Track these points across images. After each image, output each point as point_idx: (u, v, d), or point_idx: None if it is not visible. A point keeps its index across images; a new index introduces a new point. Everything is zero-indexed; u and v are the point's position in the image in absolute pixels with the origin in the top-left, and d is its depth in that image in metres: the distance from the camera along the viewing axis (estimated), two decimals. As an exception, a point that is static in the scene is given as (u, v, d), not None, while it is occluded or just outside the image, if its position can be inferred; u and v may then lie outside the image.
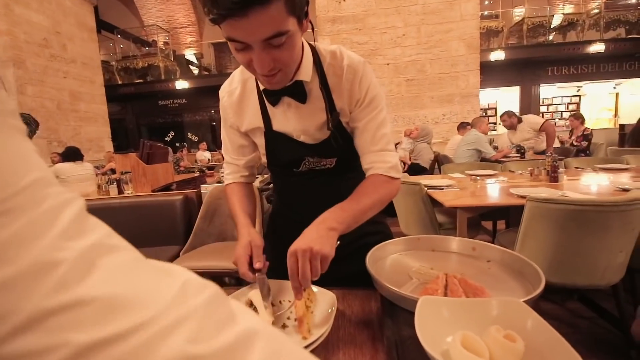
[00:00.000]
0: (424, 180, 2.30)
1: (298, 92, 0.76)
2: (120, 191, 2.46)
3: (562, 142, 5.31)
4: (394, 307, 0.64)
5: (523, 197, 1.66)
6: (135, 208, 2.29)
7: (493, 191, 2.06)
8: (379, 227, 1.00)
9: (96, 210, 2.25)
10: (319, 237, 0.63)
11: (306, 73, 0.75)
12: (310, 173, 0.87)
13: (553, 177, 2.14)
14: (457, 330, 0.48)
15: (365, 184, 0.80)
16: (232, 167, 0.94)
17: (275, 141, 0.84)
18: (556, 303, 2.00)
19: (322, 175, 0.87)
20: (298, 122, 0.80)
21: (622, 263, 1.43)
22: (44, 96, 6.24)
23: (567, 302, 2.00)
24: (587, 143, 4.90)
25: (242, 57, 0.62)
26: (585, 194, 1.72)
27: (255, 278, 0.68)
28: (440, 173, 3.19)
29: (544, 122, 4.30)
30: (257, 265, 0.70)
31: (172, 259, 2.00)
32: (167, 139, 11.23)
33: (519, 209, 1.55)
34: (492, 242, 1.89)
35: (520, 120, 4.43)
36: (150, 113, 11.28)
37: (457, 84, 5.31)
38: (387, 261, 0.85)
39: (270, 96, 0.78)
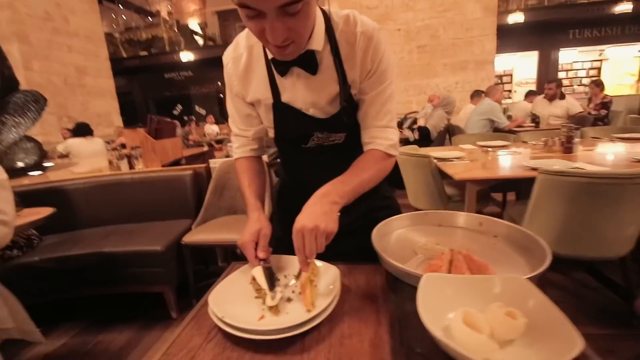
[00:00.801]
0: (433, 152, 2.27)
1: (309, 62, 0.73)
2: (131, 166, 2.49)
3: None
4: (398, 282, 0.65)
5: (535, 169, 1.62)
6: (146, 183, 2.33)
7: (504, 163, 2.02)
8: (387, 201, 1.00)
9: (109, 185, 2.31)
10: (323, 213, 0.63)
11: (318, 42, 0.71)
12: (319, 149, 0.85)
13: (567, 148, 2.08)
14: (460, 307, 0.49)
15: (365, 158, 0.79)
16: (240, 140, 0.92)
17: (284, 114, 0.81)
18: (562, 273, 2.02)
19: (331, 150, 0.85)
20: (308, 94, 0.77)
21: (632, 235, 1.41)
22: (50, 71, 6.22)
23: (574, 272, 2.01)
24: (606, 111, 4.70)
25: (254, 26, 0.59)
26: (600, 165, 1.67)
27: (261, 265, 0.69)
28: (451, 144, 3.12)
29: (579, 113, 4.23)
30: (260, 255, 0.71)
31: (185, 232, 2.06)
32: (175, 112, 11.20)
33: (530, 181, 1.53)
34: (502, 214, 1.89)
35: (563, 97, 4.32)
36: (157, 86, 11.19)
37: (472, 50, 5.07)
38: (393, 236, 0.85)
39: (279, 66, 0.74)
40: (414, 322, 0.53)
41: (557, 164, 1.73)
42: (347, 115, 0.78)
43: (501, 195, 2.96)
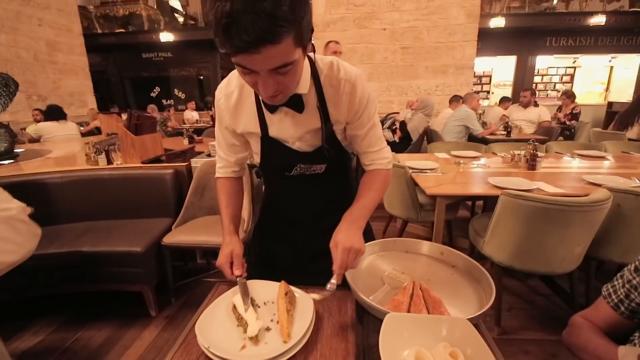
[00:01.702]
0: (409, 162, 2.38)
1: (296, 103, 0.80)
2: (109, 161, 2.46)
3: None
4: (365, 312, 0.75)
5: (499, 187, 1.76)
6: (126, 180, 2.32)
7: (473, 178, 2.16)
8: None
9: (87, 181, 2.28)
10: (356, 236, 0.78)
11: (304, 86, 0.79)
12: (301, 177, 0.94)
13: (531, 165, 2.25)
14: (415, 345, 0.59)
15: (372, 178, 0.93)
16: (223, 162, 1.00)
17: (271, 147, 0.89)
18: (519, 280, 2.21)
19: (312, 179, 0.94)
20: (294, 129, 0.85)
21: (579, 255, 1.59)
22: (19, 45, 5.85)
23: (529, 279, 2.21)
24: (575, 122, 5.03)
25: (248, 79, 0.66)
26: (557, 187, 1.83)
27: (238, 280, 0.82)
28: (428, 149, 3.26)
29: (544, 122, 4.67)
30: (236, 272, 0.83)
31: (165, 231, 2.08)
32: (153, 94, 10.81)
33: (494, 196, 1.67)
34: (470, 220, 2.03)
35: (536, 104, 4.78)
36: (133, 66, 10.71)
37: (453, 54, 5.20)
38: (365, 262, 0.94)
39: (269, 105, 0.82)
40: (376, 355, 0.62)
41: (520, 182, 1.88)
42: (329, 152, 0.87)
43: (471, 202, 3.14)
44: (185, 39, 9.44)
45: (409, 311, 0.71)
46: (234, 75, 0.87)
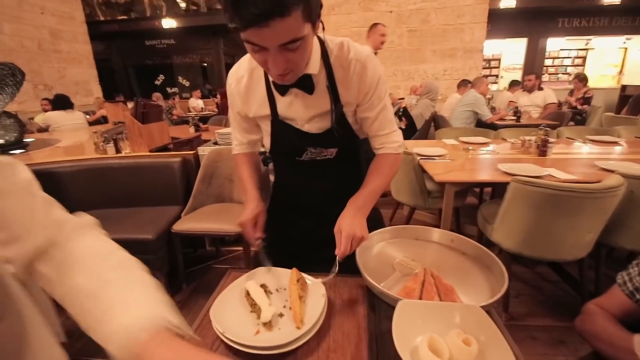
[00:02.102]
0: (417, 148, 2.35)
1: (306, 84, 0.80)
2: (117, 150, 2.47)
3: (559, 104, 5.27)
4: (376, 298, 0.75)
5: (509, 174, 1.74)
6: (135, 168, 2.33)
7: (482, 165, 2.13)
8: (372, 213, 1.09)
9: (97, 170, 2.30)
10: (360, 223, 0.80)
11: (314, 66, 0.78)
12: (312, 162, 0.94)
13: (542, 151, 2.21)
14: (427, 331, 0.59)
15: (381, 163, 0.93)
16: (238, 141, 1.03)
17: (281, 129, 0.89)
18: (527, 266, 2.21)
19: (323, 164, 0.94)
20: (304, 111, 0.85)
21: (589, 242, 1.57)
22: (23, 35, 5.83)
23: (537, 266, 2.21)
24: (587, 107, 4.90)
25: (258, 57, 0.66)
26: (569, 173, 1.80)
27: (257, 245, 0.86)
28: (435, 136, 3.22)
29: (550, 104, 4.58)
30: (258, 234, 0.88)
31: (174, 219, 2.11)
32: (157, 82, 10.77)
33: (504, 182, 1.66)
34: (478, 207, 2.02)
35: (541, 88, 4.70)
36: (137, 54, 10.64)
37: (462, 37, 5.06)
38: (375, 250, 0.95)
39: (279, 87, 0.82)
40: (389, 340, 0.63)
41: (530, 169, 1.85)
42: (338, 133, 0.87)
43: (479, 188, 3.12)
44: (187, 25, 9.33)
45: (420, 298, 0.71)
46: (244, 60, 0.87)
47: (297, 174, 1.00)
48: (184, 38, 10.13)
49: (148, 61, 10.80)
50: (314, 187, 1.00)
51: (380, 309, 0.73)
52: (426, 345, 0.56)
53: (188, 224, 2.05)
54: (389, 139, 0.92)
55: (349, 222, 0.78)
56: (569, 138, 2.84)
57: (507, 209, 1.65)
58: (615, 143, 2.58)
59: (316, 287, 0.77)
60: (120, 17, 9.79)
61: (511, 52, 9.93)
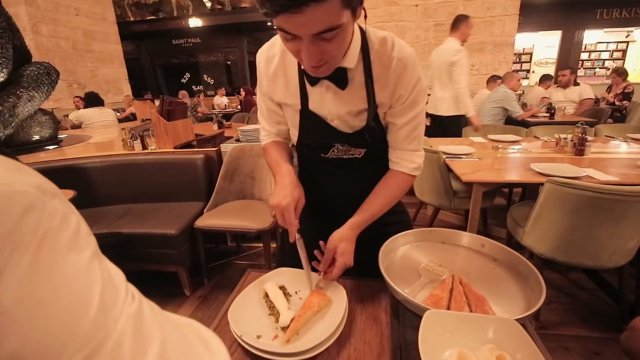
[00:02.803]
0: (443, 147, 2.27)
1: (340, 77, 0.74)
2: (144, 146, 2.54)
3: (597, 100, 4.96)
4: (401, 305, 0.71)
5: (542, 174, 1.64)
6: (160, 164, 2.39)
7: (513, 164, 2.02)
8: (399, 216, 1.03)
9: (124, 165, 2.37)
10: (352, 250, 0.78)
11: (352, 60, 0.72)
12: (338, 161, 0.88)
13: (579, 150, 2.07)
14: (456, 344, 0.55)
15: (392, 183, 0.86)
16: (266, 132, 0.95)
17: (309, 122, 0.84)
18: (560, 272, 2.09)
19: (349, 164, 0.88)
20: (334, 106, 0.79)
21: (632, 249, 1.45)
22: (59, 36, 6.13)
23: (571, 272, 2.08)
24: (627, 102, 4.58)
25: (291, 46, 0.61)
26: (609, 174, 1.68)
27: (297, 238, 0.75)
28: (462, 135, 3.10)
29: (587, 99, 4.27)
30: (296, 222, 0.74)
31: (197, 215, 2.14)
32: (183, 80, 11.06)
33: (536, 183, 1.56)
34: (507, 208, 1.92)
35: (577, 83, 4.40)
36: (164, 53, 10.97)
37: (492, 31, 4.84)
38: (399, 253, 0.90)
39: (310, 76, 0.76)
40: (414, 352, 0.59)
41: (566, 169, 1.73)
42: (371, 135, 0.80)
43: (508, 189, 2.98)
44: (212, 24, 9.50)
45: (449, 308, 0.67)
46: (278, 38, 0.79)
47: (322, 172, 0.94)
48: (209, 37, 10.33)
49: (175, 60, 11.11)
50: (337, 187, 0.94)
51: (405, 317, 0.69)
52: (455, 359, 0.52)
53: (210, 220, 2.08)
54: (409, 156, 0.84)
55: (349, 249, 0.76)
56: (608, 136, 2.65)
57: (541, 212, 1.55)
58: (663, 142, 2.38)
59: (337, 292, 0.74)
60: (149, 17, 10.11)
61: (544, 45, 9.44)
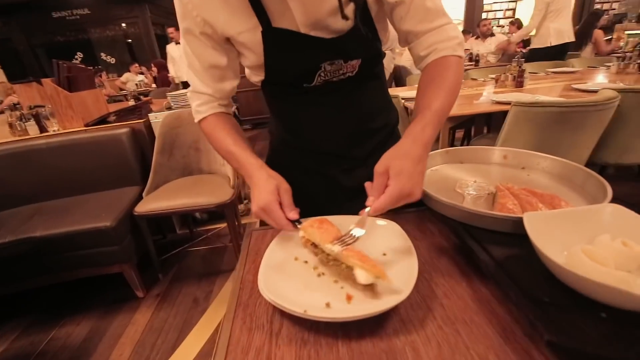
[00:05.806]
0: (401, 92, 2.22)
1: None
2: (42, 129, 1.99)
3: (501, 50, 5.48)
4: (467, 228, 0.57)
5: (506, 103, 1.67)
6: (70, 148, 1.90)
7: (469, 101, 2.05)
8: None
9: (18, 155, 1.85)
10: (420, 174, 0.52)
11: None
12: (326, 87, 0.67)
13: (519, 82, 2.18)
14: (571, 244, 0.44)
15: (440, 72, 0.62)
16: (203, 97, 0.70)
17: (280, 44, 0.61)
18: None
19: (340, 89, 0.68)
20: (304, 7, 0.58)
21: (584, 159, 1.58)
22: None
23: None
24: (526, 49, 5.14)
25: None
26: (552, 96, 1.78)
27: (297, 229, 0.56)
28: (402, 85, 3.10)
29: (501, 43, 4.77)
30: (292, 215, 0.57)
31: (135, 201, 1.77)
32: (76, 62, 9.32)
33: (490, 115, 1.58)
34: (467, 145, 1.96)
35: (492, 34, 4.95)
36: (44, 29, 9.00)
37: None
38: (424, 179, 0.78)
39: None
40: (517, 269, 0.46)
41: (521, 96, 1.80)
42: (366, 21, 0.62)
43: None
44: (102, -9, 8.04)
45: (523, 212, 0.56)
46: None
47: (307, 109, 0.72)
48: (100, 7, 8.76)
49: (59, 37, 9.23)
50: (332, 123, 0.73)
51: (480, 237, 0.54)
52: (583, 256, 0.41)
53: (152, 203, 1.73)
54: (441, 35, 0.62)
55: (409, 170, 0.50)
56: (532, 72, 2.89)
57: (507, 136, 1.58)
58: (576, 72, 2.66)
59: (392, 228, 0.57)
60: (12, -14, 8.12)
61: (450, 7, 10.15)
